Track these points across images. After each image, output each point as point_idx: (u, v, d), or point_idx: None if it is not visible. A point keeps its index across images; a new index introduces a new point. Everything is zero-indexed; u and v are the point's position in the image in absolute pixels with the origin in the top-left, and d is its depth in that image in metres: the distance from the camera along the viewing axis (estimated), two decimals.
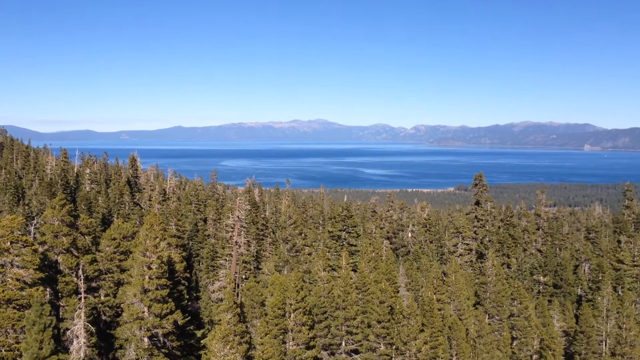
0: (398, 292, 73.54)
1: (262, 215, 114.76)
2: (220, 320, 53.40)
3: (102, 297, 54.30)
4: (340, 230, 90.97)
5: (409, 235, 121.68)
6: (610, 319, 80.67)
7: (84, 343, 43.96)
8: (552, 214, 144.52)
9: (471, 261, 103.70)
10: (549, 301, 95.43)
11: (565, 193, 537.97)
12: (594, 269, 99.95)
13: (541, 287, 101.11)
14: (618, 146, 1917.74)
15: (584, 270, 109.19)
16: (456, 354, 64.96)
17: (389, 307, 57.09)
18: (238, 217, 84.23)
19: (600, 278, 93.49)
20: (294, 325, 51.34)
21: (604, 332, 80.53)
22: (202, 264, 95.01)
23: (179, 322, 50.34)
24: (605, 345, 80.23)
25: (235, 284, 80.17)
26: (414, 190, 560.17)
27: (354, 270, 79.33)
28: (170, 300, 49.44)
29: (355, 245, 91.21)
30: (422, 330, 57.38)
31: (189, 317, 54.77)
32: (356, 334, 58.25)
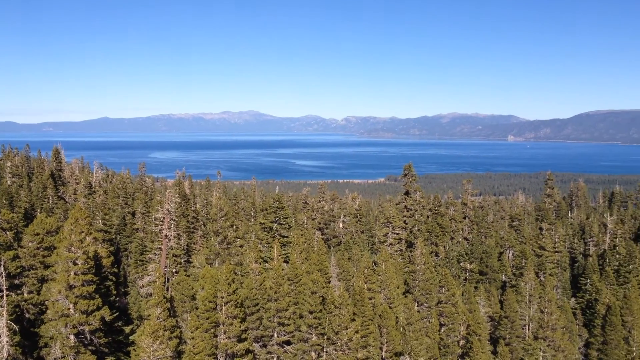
0: (330, 282, 74.06)
1: (193, 208, 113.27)
2: (149, 315, 52.42)
3: (26, 295, 52.48)
4: (272, 222, 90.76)
5: (340, 225, 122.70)
6: (533, 304, 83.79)
7: (7, 342, 42.49)
8: (478, 203, 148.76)
9: (401, 250, 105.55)
10: (475, 287, 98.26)
11: (491, 182, 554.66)
12: (518, 255, 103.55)
13: (468, 274, 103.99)
14: (540, 137, 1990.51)
15: (508, 257, 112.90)
16: (386, 342, 66.01)
17: (321, 298, 57.42)
18: (168, 210, 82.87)
19: (523, 264, 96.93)
20: (226, 318, 50.94)
21: (527, 317, 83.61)
22: (131, 258, 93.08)
23: (107, 319, 49.22)
24: (528, 329, 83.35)
25: (165, 278, 78.89)
26: (345, 181, 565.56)
27: (286, 262, 79.36)
28: (97, 296, 48.26)
29: (287, 237, 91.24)
30: (353, 320, 58.03)
31: (117, 313, 53.59)
32: (288, 325, 58.34)
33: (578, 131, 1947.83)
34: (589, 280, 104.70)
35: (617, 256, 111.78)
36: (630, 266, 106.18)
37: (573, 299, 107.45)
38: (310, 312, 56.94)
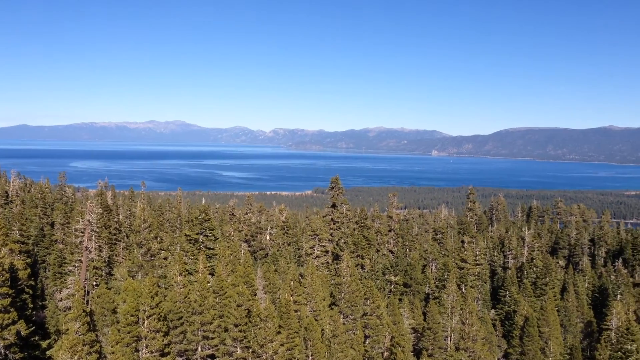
0: (255, 294, 73.54)
1: (115, 219, 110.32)
2: (67, 329, 50.56)
3: None
4: (197, 234, 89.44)
5: (267, 238, 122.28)
6: (455, 315, 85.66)
7: None
8: (403, 216, 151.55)
9: (327, 262, 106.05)
10: (400, 299, 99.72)
11: (415, 196, 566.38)
12: (440, 268, 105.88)
13: (392, 286, 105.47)
14: (462, 152, 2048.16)
15: (432, 269, 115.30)
16: (312, 354, 66.02)
17: (246, 310, 56.94)
18: (89, 221, 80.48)
19: (445, 276, 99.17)
20: (148, 332, 49.72)
21: (449, 328, 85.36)
22: (49, 270, 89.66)
23: (22, 333, 47.21)
24: (450, 340, 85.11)
25: (85, 291, 76.41)
26: (273, 193, 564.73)
27: (212, 274, 78.33)
28: (12, 309, 46.26)
29: (212, 249, 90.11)
30: (279, 332, 57.80)
31: (34, 327, 51.46)
32: (213, 338, 57.54)
33: (498, 147, 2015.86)
34: (507, 292, 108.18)
35: (535, 269, 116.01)
36: (547, 278, 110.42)
37: (493, 311, 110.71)
38: (236, 325, 56.36)
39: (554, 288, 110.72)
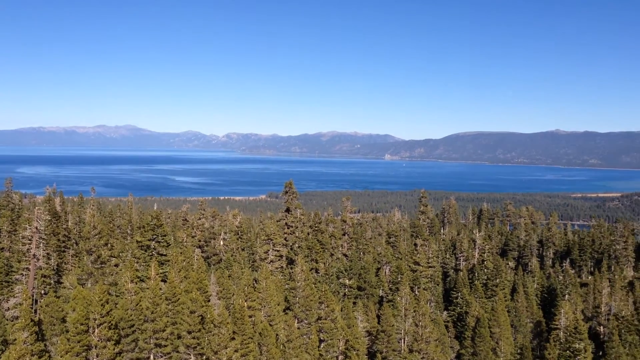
0: (209, 301, 72.91)
1: (64, 226, 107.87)
2: (15, 339, 49.29)
3: None
4: (149, 240, 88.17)
5: (221, 243, 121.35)
6: (408, 318, 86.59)
7: None
8: (357, 219, 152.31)
9: (282, 267, 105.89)
10: (354, 303, 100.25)
11: (369, 200, 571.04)
12: (394, 270, 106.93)
13: (346, 289, 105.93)
14: (414, 156, 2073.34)
15: (385, 272, 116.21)
16: None
17: (200, 317, 56.43)
18: (36, 228, 78.56)
19: (399, 279, 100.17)
20: (98, 341, 48.81)
21: (402, 330, 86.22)
22: None
23: None
24: (404, 342, 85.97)
25: (33, 300, 74.51)
26: (226, 198, 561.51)
27: (164, 281, 77.34)
28: None
29: (165, 255, 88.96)
30: (233, 338, 57.48)
31: None
32: (165, 346, 56.82)
33: (449, 151, 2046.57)
34: (459, 294, 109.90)
35: (485, 270, 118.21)
36: (497, 280, 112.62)
37: (445, 312, 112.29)
38: (189, 332, 55.79)
39: (504, 289, 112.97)
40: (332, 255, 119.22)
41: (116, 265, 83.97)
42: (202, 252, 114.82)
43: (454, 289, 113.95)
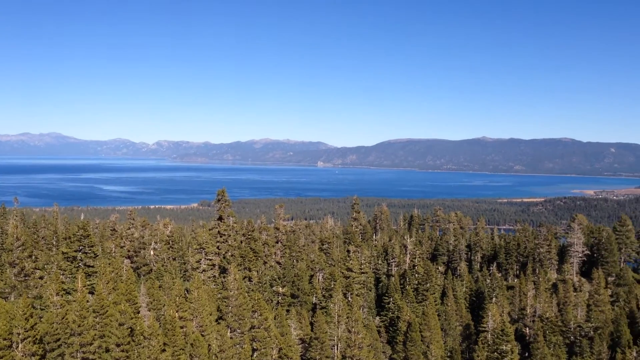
0: (139, 312, 71.44)
1: None
2: None
3: None
4: (75, 251, 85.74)
5: (152, 253, 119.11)
6: (341, 324, 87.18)
7: None
8: (290, 227, 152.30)
9: (214, 276, 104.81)
10: (287, 311, 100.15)
11: (302, 207, 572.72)
12: (327, 277, 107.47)
13: (280, 297, 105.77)
14: (347, 163, 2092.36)
15: (319, 279, 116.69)
16: None
17: (129, 329, 55.24)
18: None
19: (332, 286, 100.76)
20: (23, 356, 47.09)
21: (335, 337, 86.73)
22: None
23: None
24: (337, 349, 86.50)
25: None
26: (157, 206, 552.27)
27: (91, 293, 75.35)
28: None
29: (92, 266, 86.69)
30: (164, 350, 56.50)
31: None
32: (93, 359, 55.28)
33: (381, 158, 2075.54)
34: (391, 299, 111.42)
35: (416, 275, 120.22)
36: (428, 284, 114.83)
37: (378, 318, 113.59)
38: (118, 345, 54.50)
39: (434, 293, 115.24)
40: (265, 263, 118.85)
41: (41, 278, 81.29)
42: (132, 262, 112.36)
43: (386, 294, 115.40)
